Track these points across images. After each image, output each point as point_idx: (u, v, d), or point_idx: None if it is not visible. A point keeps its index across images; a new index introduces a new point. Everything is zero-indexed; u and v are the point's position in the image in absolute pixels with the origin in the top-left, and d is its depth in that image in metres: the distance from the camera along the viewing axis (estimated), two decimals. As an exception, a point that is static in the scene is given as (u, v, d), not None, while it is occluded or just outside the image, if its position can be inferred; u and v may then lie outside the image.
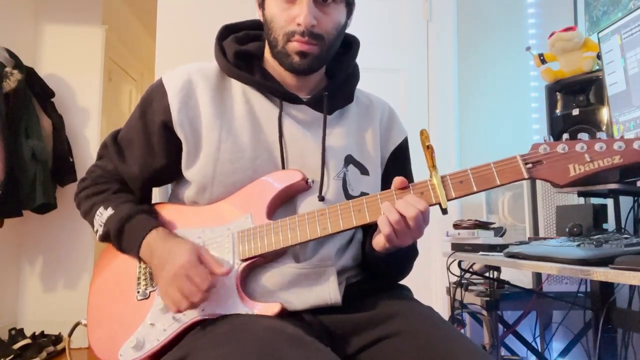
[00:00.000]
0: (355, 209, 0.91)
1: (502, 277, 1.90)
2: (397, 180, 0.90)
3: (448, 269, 1.91)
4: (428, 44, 2.73)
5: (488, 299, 1.84)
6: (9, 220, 3.03)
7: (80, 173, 1.07)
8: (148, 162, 1.02)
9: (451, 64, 2.72)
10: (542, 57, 1.93)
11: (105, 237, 1.01)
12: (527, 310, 1.95)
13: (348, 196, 1.00)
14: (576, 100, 1.79)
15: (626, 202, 1.70)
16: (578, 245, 1.20)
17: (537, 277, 1.86)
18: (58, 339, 3.21)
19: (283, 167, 0.98)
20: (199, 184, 0.98)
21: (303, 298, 0.92)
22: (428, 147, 0.89)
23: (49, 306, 3.39)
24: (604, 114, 1.69)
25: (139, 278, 0.99)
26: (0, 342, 2.98)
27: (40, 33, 3.58)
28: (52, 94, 3.37)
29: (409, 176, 1.13)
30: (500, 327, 1.98)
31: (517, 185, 1.95)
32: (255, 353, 0.73)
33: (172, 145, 1.00)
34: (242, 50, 1.04)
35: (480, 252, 1.69)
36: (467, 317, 2.28)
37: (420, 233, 0.88)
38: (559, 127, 1.83)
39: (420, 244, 1.03)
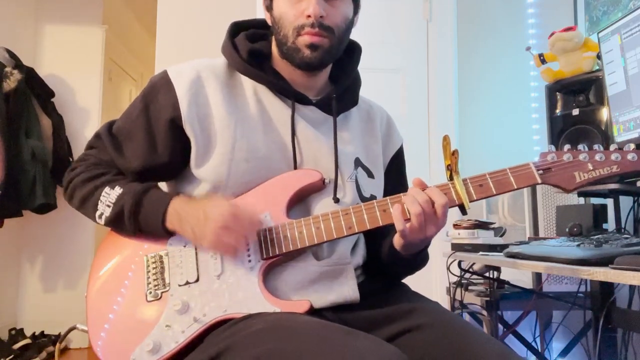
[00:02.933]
0: (380, 208, 0.92)
1: (502, 277, 1.90)
2: (416, 181, 0.93)
3: (448, 269, 1.91)
4: (428, 44, 2.73)
5: (488, 299, 1.84)
6: (9, 220, 3.03)
7: (80, 173, 1.01)
8: (149, 158, 0.99)
9: (451, 64, 2.72)
10: (542, 57, 1.93)
11: (115, 218, 0.96)
12: (527, 310, 1.95)
13: (363, 198, 1.01)
14: (576, 100, 1.79)
15: (626, 202, 1.70)
16: (578, 245, 1.20)
17: (537, 277, 1.86)
18: (58, 339, 3.21)
19: (295, 168, 0.98)
20: (213, 183, 0.96)
21: (324, 295, 0.93)
22: (454, 153, 0.93)
23: (49, 306, 3.38)
24: (604, 114, 1.69)
25: (148, 278, 0.95)
26: (0, 342, 2.98)
27: (40, 33, 3.57)
28: (52, 94, 3.37)
29: (404, 181, 1.16)
30: (500, 327, 1.97)
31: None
32: (325, 345, 0.73)
33: (177, 143, 0.97)
34: (255, 48, 1.03)
35: (480, 252, 1.69)
36: (467, 317, 2.28)
37: (444, 222, 0.91)
38: (559, 127, 1.83)
39: (420, 243, 1.04)
